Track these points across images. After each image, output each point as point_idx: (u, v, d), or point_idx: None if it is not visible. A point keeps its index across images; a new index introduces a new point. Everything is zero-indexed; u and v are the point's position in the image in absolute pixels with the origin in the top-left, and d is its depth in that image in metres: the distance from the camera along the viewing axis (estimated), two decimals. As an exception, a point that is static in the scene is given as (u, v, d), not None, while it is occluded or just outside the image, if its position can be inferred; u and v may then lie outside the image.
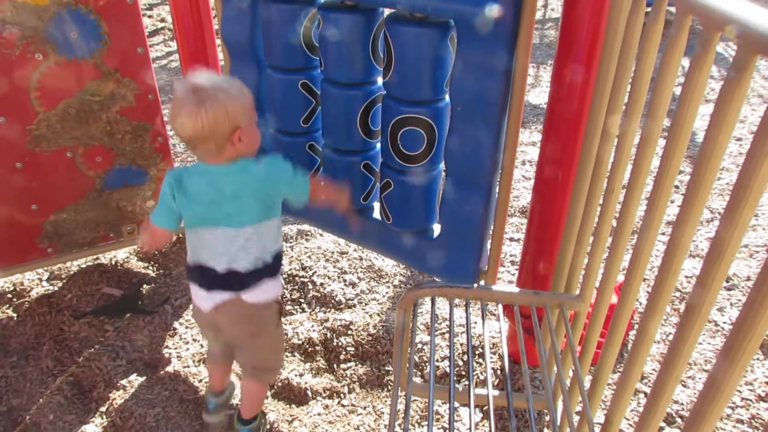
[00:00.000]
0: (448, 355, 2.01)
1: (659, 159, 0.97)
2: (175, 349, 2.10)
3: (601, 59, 1.24)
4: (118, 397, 1.89)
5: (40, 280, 2.40)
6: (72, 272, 2.42)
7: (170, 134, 2.46)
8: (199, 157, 1.42)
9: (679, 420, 1.81)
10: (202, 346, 2.11)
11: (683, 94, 0.88)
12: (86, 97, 2.07)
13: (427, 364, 2.00)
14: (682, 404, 1.86)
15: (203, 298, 1.51)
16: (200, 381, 1.96)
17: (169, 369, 2.00)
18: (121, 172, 2.26)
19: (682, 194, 3.05)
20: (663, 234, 2.64)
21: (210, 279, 1.48)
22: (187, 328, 2.19)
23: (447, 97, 1.69)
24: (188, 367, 2.02)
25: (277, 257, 1.53)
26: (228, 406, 1.84)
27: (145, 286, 2.36)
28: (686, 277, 2.42)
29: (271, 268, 1.50)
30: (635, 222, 1.16)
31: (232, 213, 1.42)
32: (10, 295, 2.29)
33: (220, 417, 1.79)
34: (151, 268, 2.49)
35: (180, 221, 1.49)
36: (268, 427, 1.80)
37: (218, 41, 2.24)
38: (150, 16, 5.69)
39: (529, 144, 3.62)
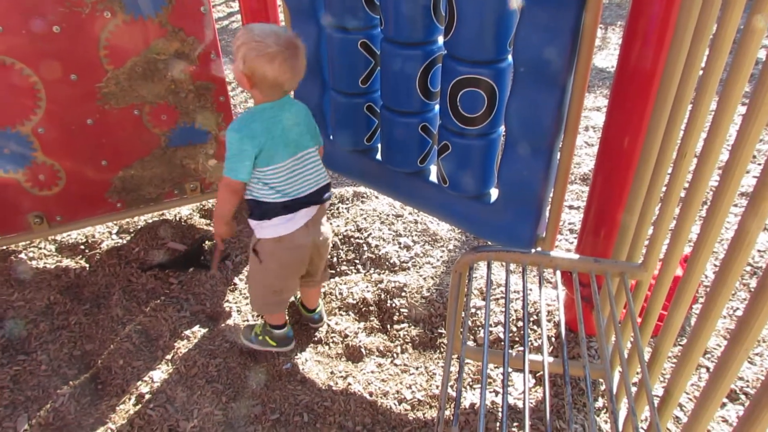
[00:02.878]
0: (501, 320, 2.00)
1: (736, 127, 0.91)
2: (235, 303, 2.17)
3: (678, 18, 1.16)
4: (182, 347, 1.98)
5: (110, 233, 2.52)
6: (139, 227, 2.53)
7: (231, 94, 2.49)
8: (272, 96, 1.60)
9: (743, 397, 1.75)
10: (260, 301, 2.18)
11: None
12: (152, 55, 2.12)
13: (479, 328, 2.00)
14: (748, 381, 1.79)
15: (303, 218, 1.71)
16: (258, 335, 2.03)
17: (230, 322, 2.08)
18: (184, 130, 2.32)
19: (759, 164, 2.88)
20: (735, 206, 2.51)
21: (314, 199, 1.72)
22: (246, 284, 2.26)
23: (510, 58, 1.63)
24: (247, 320, 2.09)
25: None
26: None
27: (207, 242, 2.44)
28: (759, 251, 2.30)
29: None
30: (706, 192, 1.10)
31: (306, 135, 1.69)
32: (82, 247, 2.43)
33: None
34: (212, 225, 2.57)
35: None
36: (318, 374, 1.85)
37: (279, 1, 2.23)
38: (212, -24, 5.72)
39: (593, 109, 3.48)
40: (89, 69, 2.07)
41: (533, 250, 1.41)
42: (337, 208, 2.63)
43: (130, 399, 1.82)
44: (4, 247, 2.38)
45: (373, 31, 1.88)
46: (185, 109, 2.28)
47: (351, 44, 1.89)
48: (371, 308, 2.12)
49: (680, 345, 1.91)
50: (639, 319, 1.28)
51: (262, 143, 1.56)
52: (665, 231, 1.18)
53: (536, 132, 1.59)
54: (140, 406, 1.80)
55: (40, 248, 2.41)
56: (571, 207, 2.64)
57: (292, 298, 2.12)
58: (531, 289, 2.13)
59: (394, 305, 2.11)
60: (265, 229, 1.69)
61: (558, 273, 1.30)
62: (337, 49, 1.94)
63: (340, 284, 2.23)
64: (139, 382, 1.87)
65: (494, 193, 1.87)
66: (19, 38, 1.95)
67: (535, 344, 1.94)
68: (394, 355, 1.96)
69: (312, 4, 1.95)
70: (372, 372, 1.90)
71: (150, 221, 2.56)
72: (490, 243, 1.93)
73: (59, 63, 2.02)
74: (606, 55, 4.23)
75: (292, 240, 1.70)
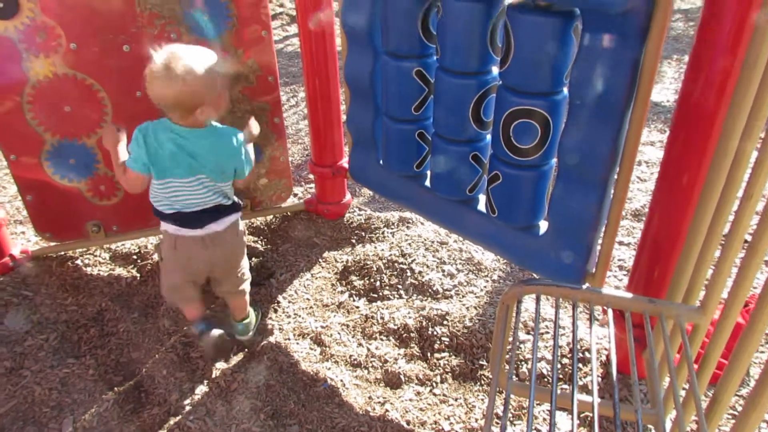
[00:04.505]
0: (546, 356, 1.95)
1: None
2: (278, 321, 2.19)
3: (747, 52, 1.13)
4: (224, 361, 2.01)
5: (161, 245, 2.59)
6: (189, 240, 2.59)
7: (285, 116, 2.55)
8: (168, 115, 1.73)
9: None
10: (302, 320, 2.19)
11: None
12: (213, 76, 2.20)
13: (522, 363, 1.96)
14: (807, 439, 1.69)
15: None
16: (301, 355, 2.04)
17: (271, 339, 2.10)
18: (238, 149, 2.38)
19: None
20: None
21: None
22: (289, 302, 2.28)
23: (565, 90, 1.62)
24: (289, 339, 2.10)
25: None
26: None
27: (253, 259, 2.48)
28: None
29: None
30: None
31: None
32: (135, 257, 2.50)
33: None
34: (259, 242, 2.61)
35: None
36: (364, 403, 1.84)
37: (337, 28, 2.28)
38: (270, 1, 5.92)
39: (647, 143, 3.41)
40: (154, 87, 2.16)
41: (584, 286, 1.37)
42: (383, 233, 2.63)
43: (171, 409, 1.85)
44: (62, 253, 2.48)
45: (428, 60, 1.90)
46: (241, 128, 2.33)
47: (406, 72, 1.91)
48: (412, 335, 2.11)
49: (738, 395, 1.82)
50: (695, 366, 1.22)
51: (139, 151, 1.70)
52: (726, 274, 1.13)
53: (590, 166, 1.56)
54: (180, 416, 1.82)
55: (96, 256, 2.50)
56: (620, 243, 2.58)
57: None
58: (577, 326, 2.08)
59: (435, 333, 2.09)
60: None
61: (610, 311, 1.27)
62: (391, 76, 1.96)
63: (382, 309, 2.22)
64: (180, 393, 1.90)
65: (543, 226, 1.84)
66: (91, 55, 2.06)
67: (580, 383, 1.88)
68: (434, 384, 1.94)
69: (369, 31, 1.98)
70: (410, 400, 1.88)
71: (200, 235, 2.62)
72: (536, 276, 1.89)
73: (126, 80, 2.11)
74: (661, 89, 4.15)
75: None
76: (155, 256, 2.49)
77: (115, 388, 1.93)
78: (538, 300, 1.33)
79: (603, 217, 1.66)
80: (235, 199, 1.90)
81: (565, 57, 1.53)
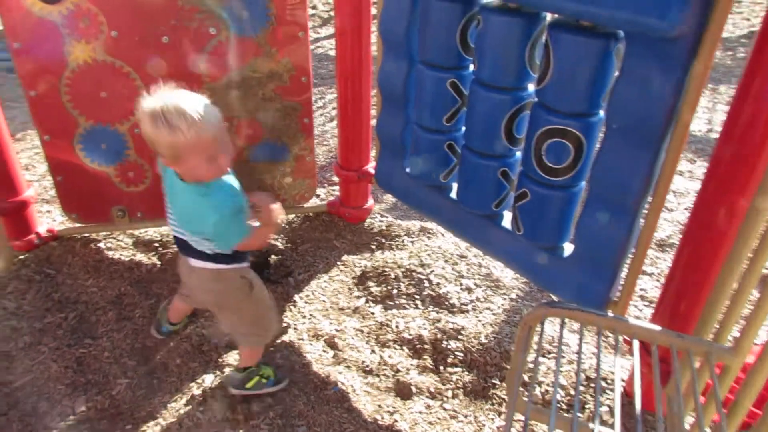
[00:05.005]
0: (560, 381, 1.92)
1: None
2: (293, 320, 2.19)
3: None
4: (235, 354, 2.01)
5: (183, 235, 2.61)
6: (211, 233, 2.61)
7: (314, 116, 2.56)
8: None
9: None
10: (317, 321, 2.19)
11: None
12: (248, 72, 2.21)
13: (537, 386, 1.93)
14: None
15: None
16: (314, 357, 2.04)
17: (285, 338, 2.10)
18: (267, 146, 2.39)
19: None
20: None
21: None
22: (306, 302, 2.28)
23: (602, 112, 1.60)
24: (303, 340, 2.10)
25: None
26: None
27: (272, 256, 2.49)
28: None
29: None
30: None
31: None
32: (156, 244, 2.52)
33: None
34: (280, 240, 2.62)
35: None
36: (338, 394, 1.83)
37: (373, 34, 2.28)
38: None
39: (676, 173, 3.35)
40: (189, 79, 2.17)
41: (609, 314, 1.35)
42: (402, 241, 2.62)
43: (182, 398, 1.86)
44: (86, 235, 2.51)
45: (464, 72, 1.89)
46: (271, 126, 2.35)
47: (440, 82, 1.90)
48: (426, 346, 2.09)
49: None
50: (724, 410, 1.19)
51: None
52: (764, 315, 1.10)
53: (623, 191, 1.54)
54: (191, 407, 1.83)
55: (119, 240, 2.52)
56: (644, 272, 2.53)
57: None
58: (593, 353, 2.05)
59: (449, 347, 2.07)
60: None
61: (636, 343, 1.24)
62: (425, 85, 1.95)
63: (398, 317, 2.21)
64: (192, 384, 1.91)
65: (568, 248, 1.82)
66: (131, 44, 2.09)
67: (595, 411, 1.84)
68: (444, 398, 1.92)
69: (406, 39, 1.98)
70: (420, 412, 1.86)
71: (222, 229, 2.64)
72: (554, 297, 1.87)
73: (163, 71, 2.13)
74: (693, 118, 4.09)
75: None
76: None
77: (129, 373, 1.94)
78: (562, 324, 1.31)
79: (630, 245, 1.63)
80: (223, 252, 1.64)
81: (604, 79, 1.51)
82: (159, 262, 2.43)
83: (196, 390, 1.89)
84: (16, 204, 2.32)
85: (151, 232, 2.58)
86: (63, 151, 2.24)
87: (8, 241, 2.25)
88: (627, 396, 1.86)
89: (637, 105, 1.41)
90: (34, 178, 3.03)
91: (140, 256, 2.45)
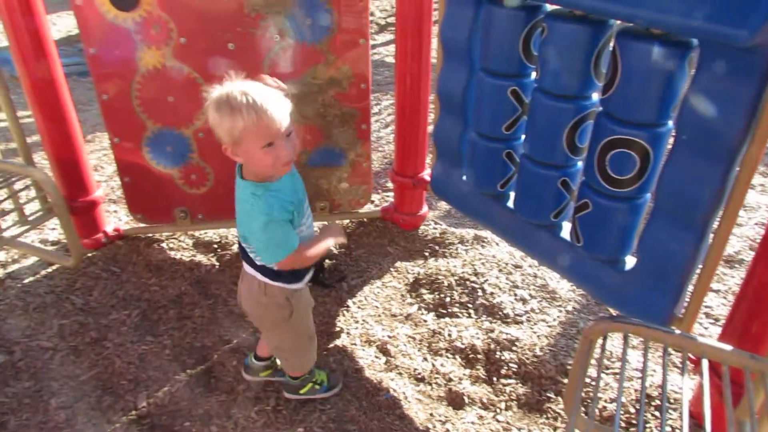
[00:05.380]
0: (622, 398, 1.86)
1: None
2: (346, 325, 2.21)
3: None
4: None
5: (241, 237, 2.67)
6: (267, 235, 2.66)
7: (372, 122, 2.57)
8: None
9: None
10: (370, 327, 2.20)
11: None
12: (309, 79, 2.25)
13: (589, 401, 1.88)
14: None
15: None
16: (366, 362, 2.05)
17: (338, 343, 2.12)
18: (324, 152, 2.42)
19: None
20: None
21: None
22: (359, 308, 2.30)
23: (670, 123, 1.55)
24: (355, 345, 2.12)
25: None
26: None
27: (327, 261, 2.52)
28: None
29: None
30: None
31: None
32: (215, 246, 2.59)
33: (255, 378, 1.96)
34: (334, 245, 2.64)
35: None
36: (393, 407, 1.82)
37: (434, 40, 2.28)
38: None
39: (745, 184, 3.21)
40: (252, 84, 2.23)
41: (676, 331, 1.30)
42: (456, 249, 2.61)
43: (238, 398, 1.90)
44: (150, 235, 2.60)
45: (525, 80, 1.87)
46: (329, 132, 2.39)
47: (501, 90, 1.89)
48: (479, 356, 2.07)
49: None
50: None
51: None
52: None
53: (692, 205, 1.48)
54: (246, 407, 1.87)
55: (180, 241, 2.61)
56: (709, 289, 2.43)
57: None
58: (654, 371, 1.98)
59: (503, 358, 2.04)
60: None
61: (705, 362, 1.19)
62: (485, 93, 1.94)
63: (450, 325, 2.19)
64: (248, 385, 1.95)
65: (630, 261, 1.77)
66: (198, 50, 2.16)
67: None
68: (498, 410, 1.89)
69: (467, 46, 1.97)
70: (472, 423, 1.84)
71: (278, 232, 2.69)
72: (612, 312, 1.82)
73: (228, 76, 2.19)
74: None
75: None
76: (235, 248, 2.57)
77: (188, 371, 2.00)
78: (625, 339, 1.27)
79: (698, 260, 1.57)
80: (267, 265, 1.59)
81: (675, 89, 1.46)
82: (217, 263, 2.50)
83: (251, 390, 1.92)
84: (87, 203, 2.43)
85: (211, 234, 2.65)
86: (131, 153, 2.33)
87: (79, 239, 2.35)
88: (691, 417, 1.78)
89: (710, 117, 1.36)
90: (102, 179, 3.16)
91: (200, 257, 2.52)
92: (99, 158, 3.40)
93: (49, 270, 2.40)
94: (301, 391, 1.88)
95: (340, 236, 1.66)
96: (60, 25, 5.69)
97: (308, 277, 1.72)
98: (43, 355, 2.03)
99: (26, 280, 2.35)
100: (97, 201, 2.47)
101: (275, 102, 1.41)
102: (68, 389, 1.92)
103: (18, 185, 2.33)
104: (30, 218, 2.33)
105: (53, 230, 2.70)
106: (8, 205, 2.33)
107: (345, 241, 1.71)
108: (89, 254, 2.48)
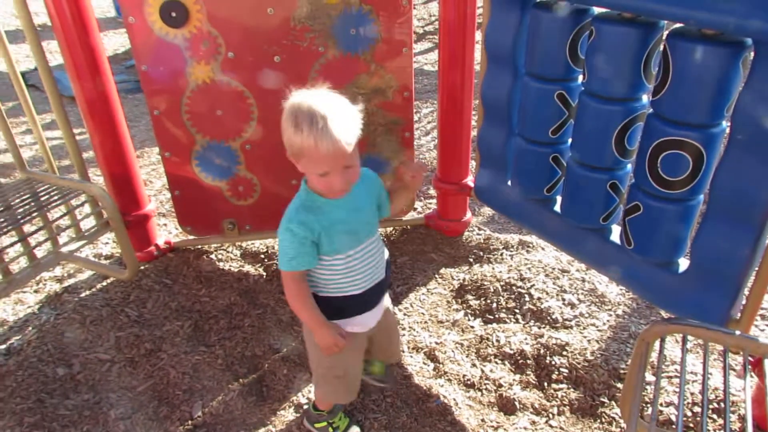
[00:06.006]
0: (674, 400, 1.83)
1: None
2: (394, 332, 2.22)
3: None
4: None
5: (286, 246, 2.72)
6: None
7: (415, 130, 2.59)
8: None
9: None
10: (417, 334, 2.21)
11: None
12: (354, 89, 2.29)
13: (647, 405, 1.85)
14: None
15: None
16: (415, 369, 2.06)
17: (387, 350, 2.13)
18: (369, 160, 2.45)
19: None
20: None
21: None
22: (405, 315, 2.31)
23: (724, 123, 1.53)
24: (403, 352, 2.13)
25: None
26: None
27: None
28: None
29: None
30: None
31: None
32: (263, 256, 2.64)
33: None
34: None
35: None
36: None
37: (477, 45, 2.30)
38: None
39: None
40: (298, 97, 2.28)
41: (736, 332, 1.28)
42: (501, 254, 2.60)
43: (290, 407, 1.93)
44: (199, 246, 2.67)
45: (572, 84, 1.87)
46: (373, 140, 2.42)
47: (547, 94, 1.89)
48: (528, 362, 2.06)
49: None
50: None
51: None
52: None
53: (747, 205, 1.46)
54: (298, 415, 1.89)
55: (228, 252, 2.67)
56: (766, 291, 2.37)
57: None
58: (711, 374, 1.94)
59: (553, 363, 2.02)
60: None
61: (767, 363, 1.17)
62: (531, 98, 1.94)
63: (498, 331, 2.19)
64: (300, 394, 1.97)
65: (683, 263, 1.74)
66: (246, 64, 2.21)
67: (713, 436, 1.74)
68: (550, 415, 1.88)
69: (512, 51, 1.98)
70: (525, 428, 1.83)
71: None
72: (664, 314, 1.79)
73: (274, 89, 2.25)
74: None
75: None
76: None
77: (240, 380, 2.04)
78: (684, 341, 1.26)
79: (755, 261, 1.54)
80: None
81: (729, 89, 1.45)
82: (264, 273, 2.54)
83: (302, 399, 1.95)
84: (140, 217, 2.50)
85: (258, 244, 2.70)
86: (181, 166, 2.40)
87: (134, 252, 2.42)
88: (756, 422, 1.74)
89: (765, 116, 1.34)
90: (151, 193, 3.26)
91: (248, 267, 2.58)
92: (148, 173, 3.50)
93: (104, 283, 2.48)
94: (316, 425, 1.81)
95: (327, 345, 1.51)
96: (106, 44, 5.89)
97: (341, 320, 1.56)
98: (101, 368, 2.09)
99: (83, 294, 2.43)
100: (149, 215, 2.55)
101: (340, 129, 1.30)
102: (126, 400, 1.97)
103: (73, 201, 2.41)
104: (86, 233, 2.41)
105: (106, 244, 2.79)
106: (64, 220, 2.41)
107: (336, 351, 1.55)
108: (142, 267, 2.56)
